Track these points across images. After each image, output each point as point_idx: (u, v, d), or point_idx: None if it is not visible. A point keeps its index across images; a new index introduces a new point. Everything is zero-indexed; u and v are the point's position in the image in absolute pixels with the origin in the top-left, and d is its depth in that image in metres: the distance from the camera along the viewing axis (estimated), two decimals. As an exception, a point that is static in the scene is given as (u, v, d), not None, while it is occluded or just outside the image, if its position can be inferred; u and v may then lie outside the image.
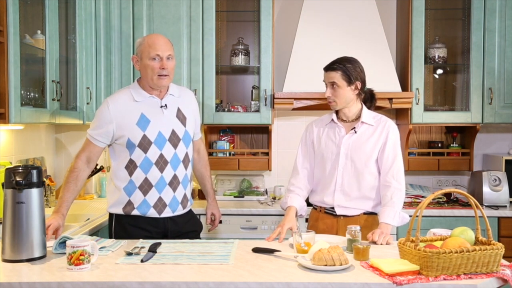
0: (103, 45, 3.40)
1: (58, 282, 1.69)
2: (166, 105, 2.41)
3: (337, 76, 2.34)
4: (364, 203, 2.41)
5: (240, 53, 3.66)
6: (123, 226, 2.41)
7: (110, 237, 2.43)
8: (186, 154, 2.46)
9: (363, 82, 2.41)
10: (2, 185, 1.94)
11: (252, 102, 3.66)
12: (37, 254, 1.93)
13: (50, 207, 3.11)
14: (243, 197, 3.66)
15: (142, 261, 1.90)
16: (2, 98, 2.28)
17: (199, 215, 2.79)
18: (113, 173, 2.42)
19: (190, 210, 2.57)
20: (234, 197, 3.65)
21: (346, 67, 2.34)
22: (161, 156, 2.36)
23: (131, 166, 2.36)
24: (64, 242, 1.99)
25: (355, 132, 2.40)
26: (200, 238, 2.55)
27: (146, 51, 2.33)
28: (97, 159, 2.43)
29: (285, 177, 3.90)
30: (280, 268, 1.83)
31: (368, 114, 2.43)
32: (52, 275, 1.75)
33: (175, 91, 2.47)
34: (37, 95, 2.63)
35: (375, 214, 2.43)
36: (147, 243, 2.17)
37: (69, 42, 3.07)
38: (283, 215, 3.23)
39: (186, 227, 2.49)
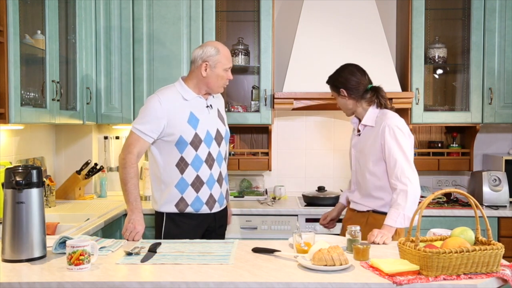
0: (103, 45, 3.41)
1: (58, 282, 1.69)
2: (211, 105, 2.53)
3: (331, 89, 2.55)
4: (372, 201, 2.44)
5: (240, 53, 3.66)
6: (176, 223, 2.46)
7: (159, 237, 2.45)
8: (226, 152, 2.61)
9: (347, 89, 2.44)
10: (2, 185, 1.94)
11: (252, 102, 3.66)
12: (37, 254, 1.93)
13: (50, 207, 3.11)
14: (243, 197, 3.66)
15: (146, 258, 1.91)
16: (2, 98, 2.28)
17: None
18: (160, 171, 2.46)
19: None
20: (234, 197, 3.65)
21: (331, 79, 2.52)
22: (209, 154, 2.46)
23: (182, 164, 2.42)
24: (64, 242, 1.99)
25: (359, 135, 2.49)
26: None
27: (223, 62, 2.46)
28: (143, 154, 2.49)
29: (285, 177, 3.91)
30: (280, 268, 1.83)
31: (371, 115, 2.44)
32: (52, 275, 1.75)
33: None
34: (37, 95, 2.63)
35: (383, 213, 2.37)
36: (147, 243, 2.17)
37: (69, 42, 3.07)
38: (282, 215, 3.28)
39: (221, 220, 2.62)
